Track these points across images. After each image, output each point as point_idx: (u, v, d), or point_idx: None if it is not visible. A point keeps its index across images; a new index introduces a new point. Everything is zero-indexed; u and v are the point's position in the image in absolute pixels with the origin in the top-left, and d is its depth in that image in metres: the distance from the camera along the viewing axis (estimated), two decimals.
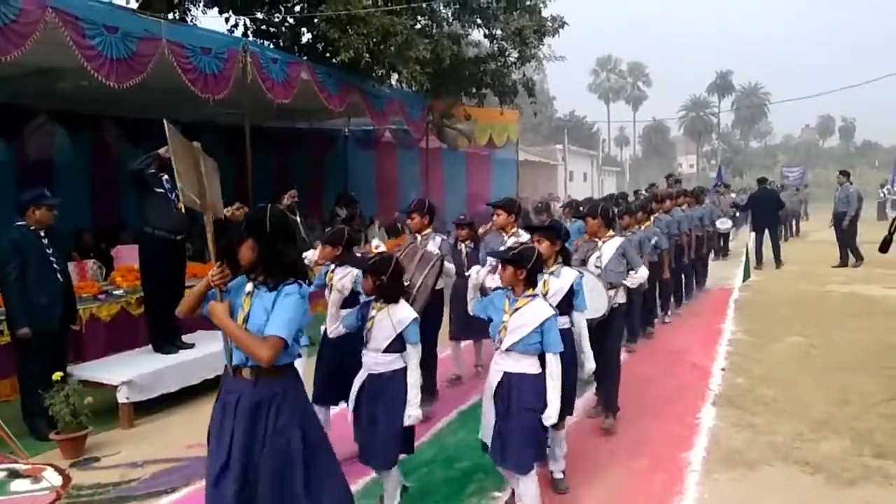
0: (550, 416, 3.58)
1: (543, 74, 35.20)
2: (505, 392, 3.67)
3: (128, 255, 7.82)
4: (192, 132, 11.39)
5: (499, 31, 13.01)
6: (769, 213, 14.47)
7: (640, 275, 5.49)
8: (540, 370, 3.67)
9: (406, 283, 4.09)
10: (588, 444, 5.04)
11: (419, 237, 5.67)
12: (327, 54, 10.34)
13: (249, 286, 2.90)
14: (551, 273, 4.29)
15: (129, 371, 5.72)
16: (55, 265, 5.39)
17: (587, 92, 73.25)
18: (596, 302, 4.83)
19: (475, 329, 5.79)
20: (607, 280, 5.20)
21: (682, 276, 10.07)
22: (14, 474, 4.62)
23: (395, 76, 11.17)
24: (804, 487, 4.33)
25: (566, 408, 4.18)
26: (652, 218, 8.42)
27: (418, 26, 12.00)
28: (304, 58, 9.90)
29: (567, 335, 4.15)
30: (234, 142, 10.02)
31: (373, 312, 3.81)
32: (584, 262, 5.37)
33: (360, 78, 10.02)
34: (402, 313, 3.76)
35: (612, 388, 5.31)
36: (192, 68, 7.06)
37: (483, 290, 4.21)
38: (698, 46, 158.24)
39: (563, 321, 4.14)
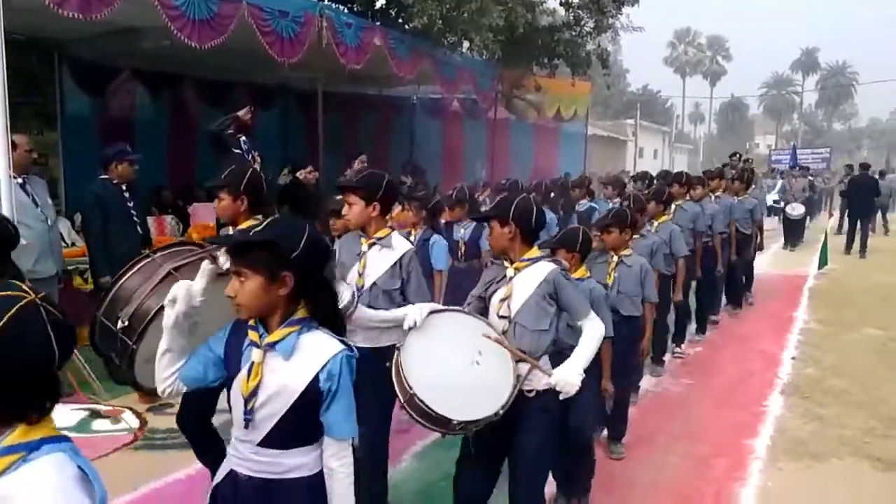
0: None
1: (618, 46, 34.17)
2: None
3: (203, 213, 8.08)
4: (266, 95, 11.66)
5: None
6: (868, 199, 14.34)
7: (589, 339, 2.81)
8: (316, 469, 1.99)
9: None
10: (647, 425, 4.98)
11: (231, 232, 3.10)
12: (400, 20, 10.31)
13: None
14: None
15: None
16: (135, 218, 5.59)
17: (662, 65, 70.81)
18: (479, 394, 2.64)
19: None
20: (518, 345, 2.80)
21: (711, 290, 7.56)
22: (96, 414, 4.91)
23: (466, 44, 11.08)
24: (873, 483, 4.19)
25: None
26: (672, 208, 6.35)
27: None
28: (378, 23, 9.91)
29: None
30: (306, 105, 10.16)
31: None
32: (483, 306, 2.99)
33: (431, 44, 9.98)
34: None
35: None
36: (270, 31, 7.16)
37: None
38: (783, 20, 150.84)
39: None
